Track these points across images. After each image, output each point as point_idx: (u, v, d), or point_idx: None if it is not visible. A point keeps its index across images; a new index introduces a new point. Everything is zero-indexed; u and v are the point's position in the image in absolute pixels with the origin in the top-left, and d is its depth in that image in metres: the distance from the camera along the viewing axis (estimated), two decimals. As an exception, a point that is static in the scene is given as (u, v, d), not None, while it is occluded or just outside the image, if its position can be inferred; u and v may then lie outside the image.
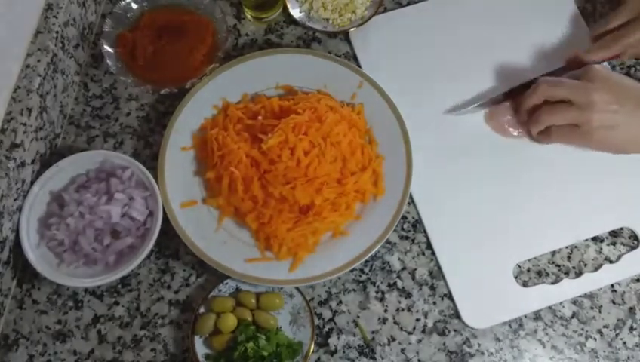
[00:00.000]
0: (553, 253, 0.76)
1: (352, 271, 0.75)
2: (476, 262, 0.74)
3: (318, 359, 0.71)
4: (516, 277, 0.74)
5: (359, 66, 0.85)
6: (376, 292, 0.74)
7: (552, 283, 0.74)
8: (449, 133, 0.81)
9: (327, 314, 0.73)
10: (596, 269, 0.74)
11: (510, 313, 0.72)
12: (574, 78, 0.75)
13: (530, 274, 0.75)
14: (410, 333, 0.72)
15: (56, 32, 0.77)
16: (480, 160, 0.79)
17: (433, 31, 0.86)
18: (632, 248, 0.76)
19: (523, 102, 0.78)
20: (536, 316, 0.73)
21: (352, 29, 0.86)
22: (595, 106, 0.72)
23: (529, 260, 0.75)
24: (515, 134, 0.80)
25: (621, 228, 0.76)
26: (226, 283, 0.72)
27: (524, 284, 0.74)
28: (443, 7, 0.88)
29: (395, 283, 0.75)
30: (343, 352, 0.72)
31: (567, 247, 0.76)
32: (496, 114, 0.81)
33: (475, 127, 0.81)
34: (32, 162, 0.74)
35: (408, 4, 0.89)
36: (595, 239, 0.76)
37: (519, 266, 0.75)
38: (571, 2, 0.88)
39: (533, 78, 0.79)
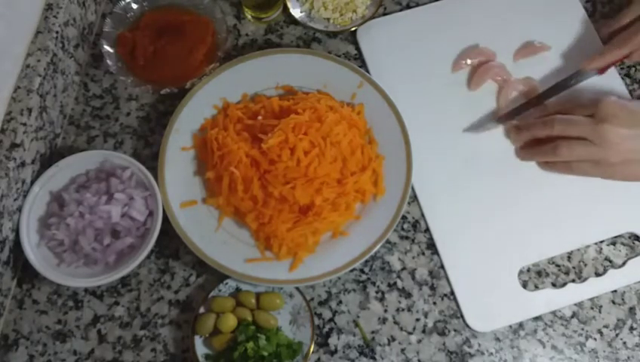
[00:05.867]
0: (553, 253, 0.76)
1: (352, 271, 0.75)
2: (481, 266, 0.74)
3: (318, 359, 0.71)
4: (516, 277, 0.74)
5: (364, 66, 0.85)
6: (376, 293, 0.74)
7: (555, 285, 0.74)
8: (454, 134, 0.81)
9: (327, 314, 0.73)
10: (600, 274, 0.74)
11: (515, 317, 0.72)
12: (586, 110, 0.74)
13: (531, 273, 0.75)
14: (410, 333, 0.72)
15: (57, 32, 0.77)
16: (485, 163, 0.79)
17: (439, 32, 0.86)
18: (632, 248, 0.76)
19: (532, 131, 0.77)
20: (537, 316, 0.73)
21: (359, 29, 0.86)
22: (611, 143, 0.71)
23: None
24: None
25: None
26: (226, 283, 0.72)
27: (524, 285, 0.74)
28: (449, 8, 0.88)
29: (395, 283, 0.75)
30: (343, 352, 0.72)
31: (567, 247, 0.76)
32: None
33: (480, 128, 0.81)
34: (32, 162, 0.74)
35: (408, 4, 0.89)
36: (595, 239, 0.76)
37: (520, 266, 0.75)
38: (578, 3, 0.88)
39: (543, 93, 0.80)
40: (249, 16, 0.88)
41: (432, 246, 0.76)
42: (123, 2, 0.83)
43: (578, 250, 0.76)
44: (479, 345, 0.72)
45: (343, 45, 0.87)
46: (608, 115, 0.72)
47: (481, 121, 0.81)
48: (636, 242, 0.76)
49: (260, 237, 0.74)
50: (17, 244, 0.72)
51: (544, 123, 0.76)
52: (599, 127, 0.72)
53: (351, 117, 0.77)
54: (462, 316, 0.73)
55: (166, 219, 0.73)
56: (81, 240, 0.71)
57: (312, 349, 0.70)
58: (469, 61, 0.84)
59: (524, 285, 0.74)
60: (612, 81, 0.83)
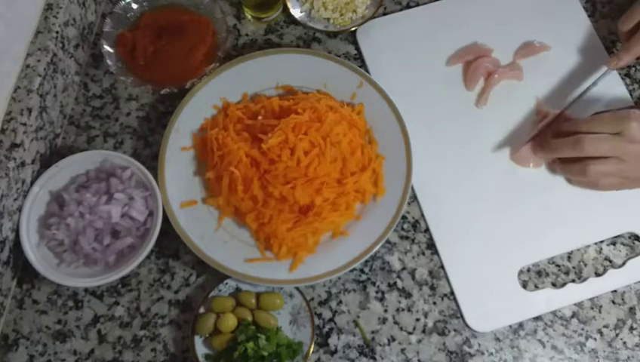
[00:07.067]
0: (553, 253, 0.76)
1: (352, 271, 0.75)
2: (481, 266, 0.74)
3: (318, 359, 0.71)
4: (516, 277, 0.74)
5: (364, 66, 0.85)
6: (376, 292, 0.74)
7: (555, 285, 0.74)
8: (454, 133, 0.81)
9: (327, 314, 0.73)
10: (600, 274, 0.74)
11: (515, 317, 0.72)
12: (610, 126, 0.72)
13: (531, 274, 0.75)
14: (410, 333, 0.72)
15: (56, 32, 0.77)
16: (485, 163, 0.79)
17: (439, 32, 0.86)
18: (632, 248, 0.76)
19: (559, 152, 0.75)
20: (537, 316, 0.73)
21: (358, 29, 0.86)
22: None
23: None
24: (531, 166, 0.79)
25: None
26: (226, 283, 0.72)
27: (524, 285, 0.74)
28: (449, 8, 0.88)
29: (395, 283, 0.75)
30: (343, 352, 0.72)
31: (567, 247, 0.76)
32: (520, 151, 0.79)
33: (481, 128, 0.81)
34: (32, 162, 0.74)
35: (408, 4, 0.89)
36: (595, 239, 0.76)
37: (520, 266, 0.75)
38: (578, 3, 0.88)
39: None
40: (249, 16, 0.88)
41: (432, 246, 0.76)
42: (123, 2, 0.83)
43: (578, 250, 0.76)
44: (479, 345, 0.72)
45: (343, 45, 0.87)
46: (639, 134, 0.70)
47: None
48: (636, 242, 0.76)
49: (260, 237, 0.74)
50: (17, 244, 0.72)
51: (573, 145, 0.73)
52: (632, 147, 0.70)
53: (351, 117, 0.77)
54: (462, 316, 0.73)
55: (166, 219, 0.73)
56: (81, 240, 0.71)
57: (312, 349, 0.70)
58: (464, 59, 0.84)
59: (524, 285, 0.74)
60: (612, 81, 0.83)
